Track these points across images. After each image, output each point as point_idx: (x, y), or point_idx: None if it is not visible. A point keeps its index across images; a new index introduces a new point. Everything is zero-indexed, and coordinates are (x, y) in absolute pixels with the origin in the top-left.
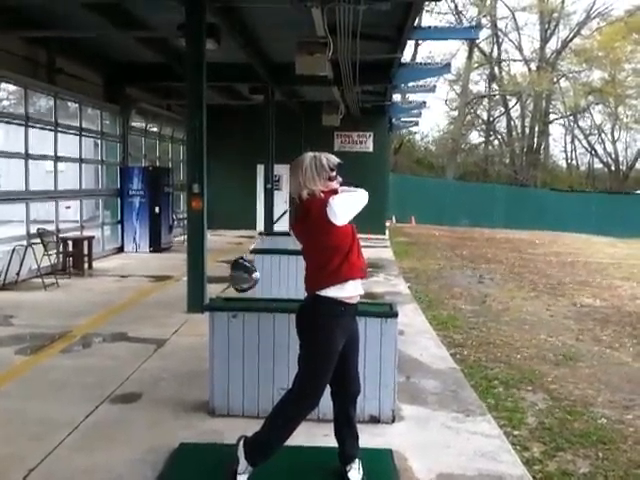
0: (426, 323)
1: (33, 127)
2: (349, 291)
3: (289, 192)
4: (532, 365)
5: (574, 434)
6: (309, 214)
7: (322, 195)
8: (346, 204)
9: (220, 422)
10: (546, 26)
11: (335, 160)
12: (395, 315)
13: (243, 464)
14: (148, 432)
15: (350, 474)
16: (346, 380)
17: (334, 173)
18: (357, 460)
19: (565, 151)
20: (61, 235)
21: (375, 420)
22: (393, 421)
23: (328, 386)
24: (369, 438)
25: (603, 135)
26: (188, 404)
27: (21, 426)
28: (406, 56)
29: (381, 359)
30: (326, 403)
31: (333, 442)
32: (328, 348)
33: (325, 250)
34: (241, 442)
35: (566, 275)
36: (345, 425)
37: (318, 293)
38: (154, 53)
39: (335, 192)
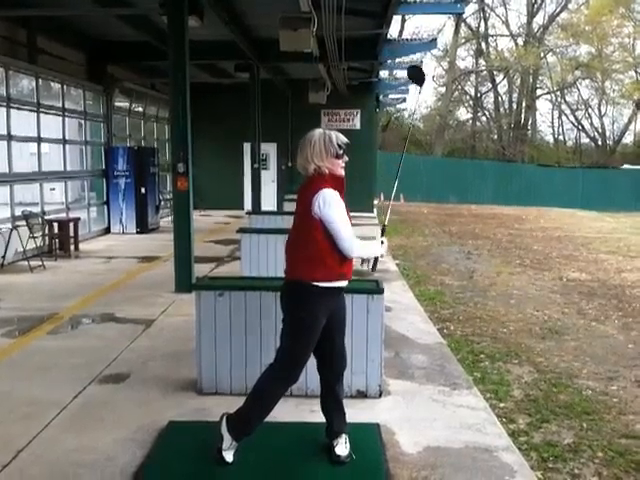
0: (413, 299)
1: (15, 108)
2: (339, 283)
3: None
4: (518, 339)
5: (559, 406)
6: (308, 191)
7: (327, 172)
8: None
9: (208, 400)
10: (533, 0)
11: (344, 139)
12: (381, 291)
13: (227, 440)
14: (137, 411)
15: (337, 449)
16: (332, 356)
17: (342, 151)
18: (344, 435)
19: (552, 126)
20: (47, 217)
21: (362, 395)
22: (380, 396)
23: (315, 360)
24: (356, 413)
25: (590, 110)
26: (176, 383)
27: (9, 407)
28: (393, 32)
29: (368, 335)
30: (313, 379)
31: (320, 418)
32: (309, 325)
33: (315, 240)
34: (224, 419)
35: (552, 250)
36: (331, 400)
37: (308, 281)
38: (136, 31)
39: (340, 181)
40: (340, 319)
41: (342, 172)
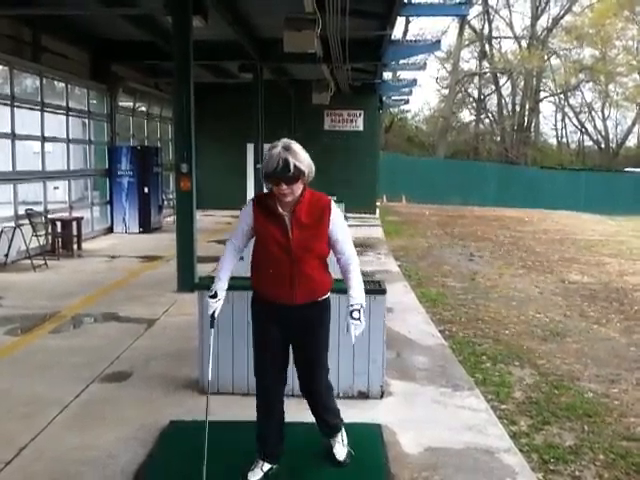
0: (415, 300)
1: (19, 107)
2: (265, 297)
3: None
4: (520, 341)
5: (560, 408)
6: None
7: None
8: None
9: (210, 400)
10: (537, 3)
11: (271, 167)
12: (383, 292)
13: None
14: (138, 410)
15: (335, 449)
16: (297, 370)
17: (272, 178)
18: (340, 434)
19: (555, 129)
20: (50, 216)
21: (364, 395)
22: (382, 396)
23: None
24: (358, 413)
25: (593, 113)
26: (178, 382)
27: (11, 405)
28: (397, 33)
29: (370, 336)
30: None
31: None
32: (254, 331)
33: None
34: None
35: (555, 252)
36: (312, 411)
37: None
38: (140, 31)
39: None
40: (299, 336)
41: (281, 198)
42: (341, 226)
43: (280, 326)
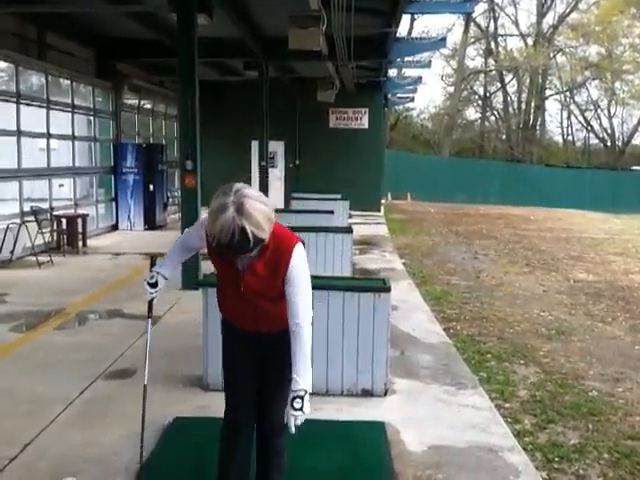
0: (420, 298)
1: (25, 104)
2: (231, 320)
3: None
4: (525, 339)
5: (565, 406)
6: None
7: None
8: None
9: (214, 397)
10: (543, 0)
11: (225, 238)
12: (388, 290)
13: None
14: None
15: None
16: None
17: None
18: None
19: (561, 127)
20: (55, 213)
21: (368, 393)
22: (385, 394)
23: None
24: (362, 411)
25: (599, 111)
26: (182, 379)
27: (15, 402)
28: (402, 31)
29: (374, 333)
30: (319, 376)
31: (324, 415)
32: (223, 349)
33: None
34: None
35: (560, 250)
36: (258, 462)
37: None
38: (145, 28)
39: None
40: (266, 364)
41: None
42: (298, 282)
43: (251, 345)
